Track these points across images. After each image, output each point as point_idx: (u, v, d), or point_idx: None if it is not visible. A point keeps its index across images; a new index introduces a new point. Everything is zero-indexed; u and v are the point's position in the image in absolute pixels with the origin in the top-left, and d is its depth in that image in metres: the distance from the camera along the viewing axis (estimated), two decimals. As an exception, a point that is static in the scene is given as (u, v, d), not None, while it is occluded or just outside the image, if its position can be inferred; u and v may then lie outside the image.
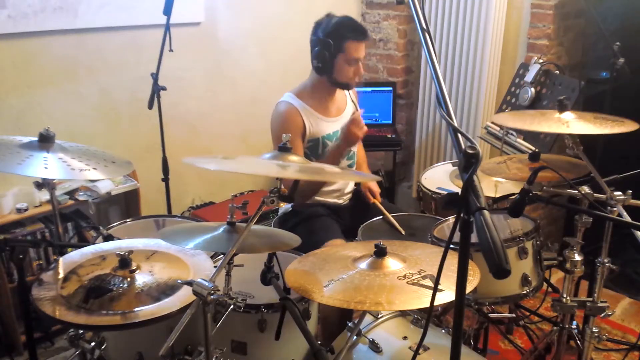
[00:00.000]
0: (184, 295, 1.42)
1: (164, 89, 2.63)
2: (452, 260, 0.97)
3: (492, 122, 2.72)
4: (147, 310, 1.37)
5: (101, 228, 1.93)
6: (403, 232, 2.27)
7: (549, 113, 1.87)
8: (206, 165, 1.38)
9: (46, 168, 1.56)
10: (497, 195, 2.08)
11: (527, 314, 2.51)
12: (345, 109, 2.45)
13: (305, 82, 2.39)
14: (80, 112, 2.78)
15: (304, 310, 1.64)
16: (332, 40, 2.21)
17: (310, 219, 2.34)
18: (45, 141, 1.64)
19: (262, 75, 3.42)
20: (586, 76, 3.12)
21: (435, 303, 1.19)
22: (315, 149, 2.35)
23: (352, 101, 2.51)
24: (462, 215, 0.91)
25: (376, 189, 2.52)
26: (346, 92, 2.48)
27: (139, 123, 2.95)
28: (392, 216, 2.34)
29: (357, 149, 2.55)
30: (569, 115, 1.80)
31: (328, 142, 2.36)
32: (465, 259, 0.95)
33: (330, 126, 2.37)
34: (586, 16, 3.16)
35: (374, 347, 1.60)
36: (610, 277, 1.89)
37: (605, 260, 1.84)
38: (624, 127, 1.71)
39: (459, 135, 0.96)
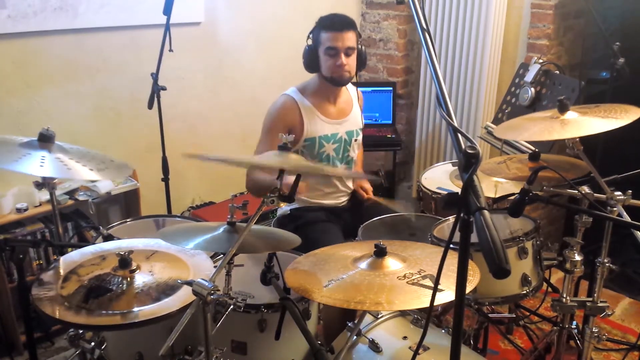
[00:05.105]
0: (184, 295, 1.42)
1: (164, 89, 2.64)
2: (452, 260, 0.97)
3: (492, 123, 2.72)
4: (146, 310, 1.37)
5: (101, 228, 1.93)
6: (413, 217, 2.25)
7: (549, 116, 1.80)
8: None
9: (42, 166, 1.54)
10: (497, 195, 2.08)
11: (527, 314, 2.51)
12: (350, 114, 2.43)
13: (310, 80, 2.39)
14: (80, 112, 2.78)
15: (304, 310, 1.64)
16: (313, 35, 2.29)
17: (309, 225, 2.31)
18: (45, 141, 1.64)
19: (262, 75, 3.42)
20: (586, 76, 3.12)
21: (435, 303, 1.19)
22: (311, 149, 2.34)
23: (359, 107, 2.50)
24: (462, 215, 0.91)
25: (368, 186, 2.51)
26: (353, 97, 2.47)
27: (139, 123, 2.95)
28: (391, 216, 2.32)
29: (357, 152, 2.55)
30: (571, 115, 1.75)
31: (325, 142, 2.35)
32: (465, 259, 0.95)
33: (329, 127, 2.36)
34: (586, 16, 3.16)
35: (374, 347, 1.60)
36: (610, 277, 1.89)
37: (605, 260, 1.84)
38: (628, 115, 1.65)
39: (459, 135, 0.96)
